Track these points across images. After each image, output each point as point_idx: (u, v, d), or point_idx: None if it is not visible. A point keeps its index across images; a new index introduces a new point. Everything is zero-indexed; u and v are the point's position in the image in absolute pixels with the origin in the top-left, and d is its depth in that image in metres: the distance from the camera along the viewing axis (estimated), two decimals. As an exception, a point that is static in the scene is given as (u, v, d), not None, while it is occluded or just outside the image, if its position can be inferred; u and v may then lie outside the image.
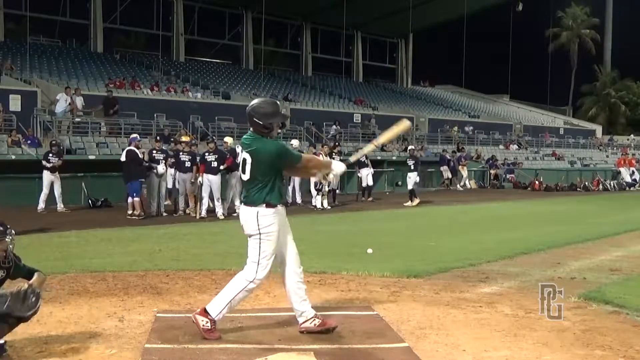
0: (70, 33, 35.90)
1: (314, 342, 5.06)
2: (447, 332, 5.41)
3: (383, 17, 42.68)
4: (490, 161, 32.17)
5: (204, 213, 15.41)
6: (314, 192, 18.81)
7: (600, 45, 62.68)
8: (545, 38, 58.51)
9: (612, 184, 30.60)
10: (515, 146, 39.28)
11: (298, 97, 35.10)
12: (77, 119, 22.57)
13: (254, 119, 5.10)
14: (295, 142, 20.51)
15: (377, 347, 4.99)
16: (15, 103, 22.27)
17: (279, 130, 5.35)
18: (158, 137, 18.16)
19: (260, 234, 5.11)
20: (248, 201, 5.18)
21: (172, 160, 16.08)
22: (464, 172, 29.70)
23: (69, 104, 22.45)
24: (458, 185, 28.89)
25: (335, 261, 8.75)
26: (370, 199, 21.08)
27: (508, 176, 32.00)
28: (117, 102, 23.91)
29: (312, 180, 18.72)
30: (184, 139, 17.15)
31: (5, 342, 4.68)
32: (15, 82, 24.29)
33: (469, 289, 7.14)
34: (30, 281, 4.69)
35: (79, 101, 22.93)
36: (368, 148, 6.54)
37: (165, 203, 16.45)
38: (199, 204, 15.59)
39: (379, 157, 26.52)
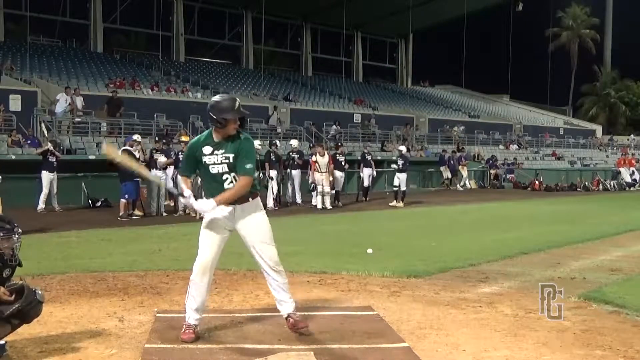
0: (70, 33, 35.89)
1: (314, 342, 5.06)
2: (447, 332, 5.42)
3: (383, 17, 42.67)
4: (490, 161, 32.18)
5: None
6: (314, 192, 18.81)
7: (600, 45, 62.68)
8: (545, 38, 58.54)
9: (612, 184, 30.59)
10: (515, 146, 39.29)
11: (298, 97, 35.09)
12: (77, 119, 22.57)
13: (209, 113, 5.11)
14: (294, 142, 20.54)
15: (377, 347, 4.99)
16: (15, 103, 22.27)
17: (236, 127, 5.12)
18: (157, 138, 18.14)
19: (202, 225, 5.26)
20: None
21: (173, 159, 16.08)
22: (464, 172, 29.70)
23: (69, 104, 22.45)
24: (458, 185, 28.89)
25: (335, 261, 8.76)
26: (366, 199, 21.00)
27: (508, 176, 32.00)
28: (122, 103, 23.91)
29: (310, 179, 18.77)
30: (183, 138, 17.13)
31: (6, 342, 4.69)
32: (15, 82, 24.28)
33: (469, 289, 7.14)
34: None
35: (79, 101, 22.93)
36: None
37: (165, 203, 16.44)
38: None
39: (379, 157, 26.50)
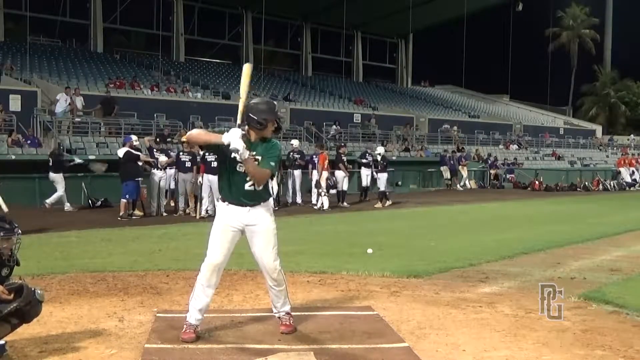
0: (70, 33, 35.89)
1: (314, 342, 5.07)
2: (447, 332, 5.42)
3: (383, 17, 42.68)
4: (490, 161, 32.18)
5: (204, 213, 15.40)
6: (314, 191, 18.80)
7: (600, 45, 62.67)
8: (545, 38, 58.54)
9: (612, 184, 30.61)
10: (515, 146, 39.29)
11: (298, 97, 35.09)
12: (77, 119, 22.57)
13: (249, 114, 5.14)
14: (295, 142, 20.52)
15: (377, 347, 4.99)
16: (15, 103, 22.27)
17: (274, 132, 5.29)
18: (158, 139, 18.12)
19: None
20: None
21: (173, 159, 16.08)
22: (464, 172, 29.71)
23: (69, 104, 22.45)
24: (458, 185, 28.89)
25: (335, 261, 8.76)
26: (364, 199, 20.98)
27: (508, 176, 32.01)
28: (117, 102, 23.88)
29: (314, 179, 18.74)
30: (184, 139, 17.11)
31: (6, 342, 4.69)
32: (15, 82, 24.29)
33: (469, 289, 7.14)
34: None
35: (79, 101, 22.94)
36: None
37: (165, 203, 16.44)
38: (199, 204, 15.59)
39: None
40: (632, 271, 8.52)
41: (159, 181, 15.87)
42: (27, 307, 4.62)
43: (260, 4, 35.30)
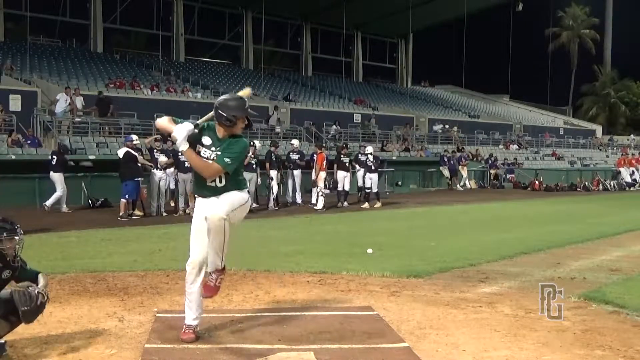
0: (70, 33, 35.88)
1: (314, 342, 5.07)
2: (447, 332, 5.42)
3: (383, 17, 42.66)
4: (490, 161, 32.18)
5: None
6: (314, 191, 18.78)
7: (600, 45, 62.67)
8: (545, 38, 58.53)
9: (612, 184, 30.59)
10: (515, 146, 39.29)
11: (298, 97, 35.08)
12: (77, 119, 22.57)
13: (218, 111, 5.05)
14: (296, 142, 20.50)
15: (377, 347, 4.99)
16: (15, 103, 22.26)
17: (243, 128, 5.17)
18: (157, 138, 18.09)
19: None
20: None
21: (172, 160, 16.06)
22: (464, 172, 29.71)
23: (69, 104, 22.45)
24: (458, 185, 28.89)
25: (335, 261, 8.76)
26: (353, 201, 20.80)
27: (508, 176, 32.00)
28: (111, 102, 23.85)
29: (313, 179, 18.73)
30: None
31: (6, 342, 4.69)
32: (15, 82, 24.28)
33: (469, 289, 7.14)
34: (40, 285, 4.75)
35: (79, 101, 22.94)
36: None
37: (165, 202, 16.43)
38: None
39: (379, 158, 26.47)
40: (632, 271, 8.52)
41: (159, 181, 15.87)
42: (26, 310, 4.62)
43: (260, 4, 35.29)
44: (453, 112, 43.81)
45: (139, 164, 15.34)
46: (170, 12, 37.84)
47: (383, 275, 7.77)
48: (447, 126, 37.68)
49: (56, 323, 5.55)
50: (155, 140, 16.48)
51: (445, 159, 29.45)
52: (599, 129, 54.01)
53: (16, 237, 4.64)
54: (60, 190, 16.63)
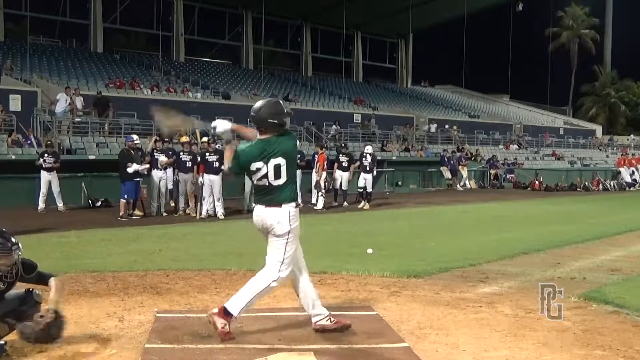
0: (70, 33, 35.92)
1: (314, 342, 5.06)
2: (447, 332, 5.42)
3: (383, 17, 42.65)
4: (491, 161, 32.18)
5: (204, 213, 15.40)
6: (314, 191, 18.77)
7: (600, 45, 62.67)
8: (545, 38, 58.50)
9: (612, 184, 30.58)
10: (515, 146, 39.28)
11: (298, 97, 35.08)
12: (77, 119, 22.56)
13: (268, 120, 5.09)
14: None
15: (377, 347, 4.99)
16: (15, 103, 22.26)
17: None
18: (158, 137, 18.10)
19: (289, 233, 5.11)
20: (277, 201, 5.11)
21: (173, 159, 16.07)
22: (464, 172, 29.71)
23: (69, 104, 22.45)
24: (458, 185, 28.89)
25: (335, 261, 8.75)
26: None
27: (508, 176, 32.00)
28: (110, 101, 23.82)
29: (313, 179, 18.70)
30: (183, 139, 17.12)
31: (5, 342, 4.69)
32: (15, 82, 24.28)
33: (469, 289, 7.14)
34: (51, 296, 4.72)
35: (79, 101, 22.94)
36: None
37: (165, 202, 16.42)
38: (199, 203, 15.59)
39: (379, 157, 26.46)
40: (632, 271, 8.52)
41: (159, 181, 15.86)
42: (23, 308, 4.62)
43: (260, 4, 35.28)
44: (453, 112, 43.82)
45: (130, 170, 15.02)
46: (170, 12, 37.85)
47: (383, 275, 7.77)
48: (446, 126, 37.70)
49: (56, 323, 5.54)
50: (155, 141, 16.49)
51: (446, 159, 29.45)
52: (599, 129, 54.01)
53: (14, 255, 4.59)
54: (42, 188, 16.51)
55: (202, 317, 5.61)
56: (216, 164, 15.43)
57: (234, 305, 5.05)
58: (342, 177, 18.98)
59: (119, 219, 14.72)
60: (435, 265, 8.55)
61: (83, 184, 18.41)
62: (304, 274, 5.34)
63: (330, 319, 5.27)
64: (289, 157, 5.15)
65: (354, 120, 33.73)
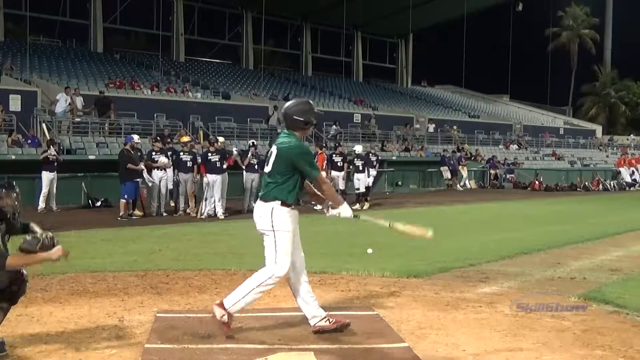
0: (70, 33, 35.91)
1: (314, 342, 5.06)
2: (447, 332, 5.42)
3: (383, 17, 42.66)
4: (491, 161, 32.18)
5: (205, 213, 15.40)
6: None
7: (600, 45, 62.65)
8: (545, 38, 58.51)
9: (612, 184, 30.57)
10: (515, 146, 39.28)
11: (298, 97, 35.05)
12: (77, 119, 22.57)
13: (293, 117, 5.28)
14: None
15: (377, 347, 4.99)
16: (15, 103, 22.26)
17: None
18: (158, 137, 18.10)
19: (273, 231, 5.18)
20: (265, 197, 5.28)
21: (170, 162, 16.06)
22: (464, 172, 29.71)
23: (69, 104, 22.45)
24: (458, 185, 28.89)
25: (335, 261, 8.76)
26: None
27: (508, 176, 31.98)
28: (111, 101, 23.82)
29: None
30: (184, 139, 17.13)
31: (5, 342, 4.69)
32: (15, 82, 24.28)
33: (469, 289, 7.14)
34: (38, 231, 4.81)
35: (79, 101, 22.93)
36: (379, 221, 6.26)
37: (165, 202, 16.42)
38: (199, 204, 15.58)
39: (379, 158, 26.44)
40: (632, 271, 8.52)
41: (159, 181, 15.86)
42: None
43: (260, 4, 35.26)
44: (453, 112, 43.81)
45: (128, 168, 15.13)
46: (170, 12, 37.84)
47: (383, 275, 7.77)
48: (446, 126, 37.70)
49: (56, 323, 5.55)
50: (155, 141, 16.49)
51: (446, 159, 29.44)
52: (599, 129, 53.99)
53: (13, 194, 4.68)
54: (44, 188, 16.56)
55: (202, 317, 5.63)
56: (219, 164, 15.44)
57: (230, 300, 5.17)
58: (337, 177, 18.98)
59: (119, 219, 14.72)
60: (435, 265, 8.55)
61: (83, 184, 18.41)
62: (300, 278, 5.35)
63: (328, 319, 5.28)
64: (282, 152, 5.25)
65: (354, 120, 33.72)
